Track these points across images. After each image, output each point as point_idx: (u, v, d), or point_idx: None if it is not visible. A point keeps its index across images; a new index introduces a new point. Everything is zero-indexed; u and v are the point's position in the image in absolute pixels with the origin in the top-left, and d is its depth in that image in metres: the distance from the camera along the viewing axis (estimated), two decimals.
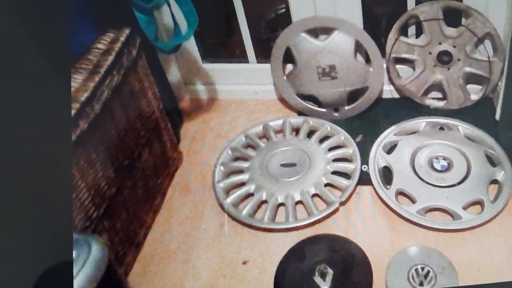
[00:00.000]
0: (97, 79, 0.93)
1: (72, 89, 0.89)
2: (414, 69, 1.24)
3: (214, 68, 1.33)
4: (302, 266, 0.98)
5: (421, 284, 0.94)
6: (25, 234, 0.84)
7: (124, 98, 1.02)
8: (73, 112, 0.86)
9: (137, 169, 1.06)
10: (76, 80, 0.91)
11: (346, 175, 1.13)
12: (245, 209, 1.08)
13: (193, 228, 1.06)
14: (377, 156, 1.14)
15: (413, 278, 0.95)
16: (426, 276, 0.95)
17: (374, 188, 1.09)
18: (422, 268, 0.96)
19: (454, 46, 1.18)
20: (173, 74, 1.32)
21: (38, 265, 0.83)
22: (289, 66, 1.27)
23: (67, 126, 0.86)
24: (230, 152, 1.19)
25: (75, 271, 0.81)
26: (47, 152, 0.87)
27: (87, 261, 0.83)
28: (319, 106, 1.27)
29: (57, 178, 0.87)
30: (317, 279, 0.95)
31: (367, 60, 1.22)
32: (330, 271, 0.96)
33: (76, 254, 0.83)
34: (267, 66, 1.27)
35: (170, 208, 1.11)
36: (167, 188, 1.14)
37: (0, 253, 0.83)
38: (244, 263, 1.00)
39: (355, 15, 1.18)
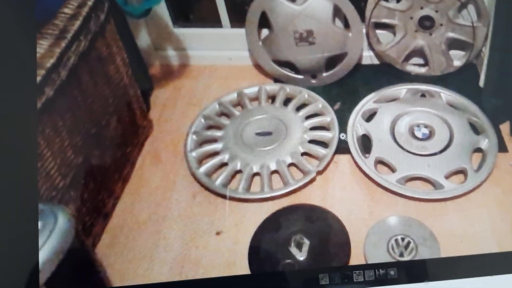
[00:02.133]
0: (63, 44, 0.93)
1: (37, 55, 0.90)
2: (394, 34, 1.26)
3: (185, 33, 1.33)
4: (277, 237, 0.99)
5: (401, 255, 0.96)
6: None
7: (92, 64, 1.03)
8: (38, 78, 0.87)
9: (105, 138, 1.06)
10: (42, 46, 0.91)
11: (323, 144, 1.14)
12: (219, 179, 1.09)
13: (164, 199, 1.07)
14: (356, 124, 1.15)
15: (392, 249, 0.96)
16: (406, 247, 0.97)
17: (353, 157, 1.10)
18: (402, 239, 0.97)
19: (437, 11, 1.19)
20: (143, 39, 1.31)
21: (3, 237, 0.84)
22: (265, 31, 1.27)
23: (33, 93, 0.87)
24: (203, 120, 1.20)
25: (40, 242, 0.82)
26: (11, 119, 0.87)
27: (53, 232, 0.83)
28: (296, 73, 1.27)
29: (22, 147, 0.87)
30: (293, 249, 0.96)
31: (346, 25, 1.23)
32: (306, 242, 0.97)
33: (42, 225, 0.83)
34: (241, 31, 1.27)
35: (140, 178, 1.11)
36: (137, 158, 1.15)
37: None
38: (218, 234, 1.01)
39: None
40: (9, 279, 0.82)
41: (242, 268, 0.96)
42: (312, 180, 1.08)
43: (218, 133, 1.17)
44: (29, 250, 0.82)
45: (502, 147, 1.11)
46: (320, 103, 1.21)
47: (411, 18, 1.21)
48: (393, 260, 0.95)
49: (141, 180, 1.11)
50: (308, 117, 1.19)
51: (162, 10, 1.29)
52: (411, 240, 0.97)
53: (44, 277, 0.81)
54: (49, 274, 0.82)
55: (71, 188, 0.95)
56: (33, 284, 0.81)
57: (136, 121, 1.18)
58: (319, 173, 1.09)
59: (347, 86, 1.26)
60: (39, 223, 0.83)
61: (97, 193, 1.02)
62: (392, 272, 0.88)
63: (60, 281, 0.83)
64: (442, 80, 1.24)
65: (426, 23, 1.21)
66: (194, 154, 1.14)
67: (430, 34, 1.22)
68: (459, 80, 1.24)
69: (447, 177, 1.07)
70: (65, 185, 0.93)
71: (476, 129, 1.14)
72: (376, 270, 0.89)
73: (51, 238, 0.82)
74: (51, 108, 0.90)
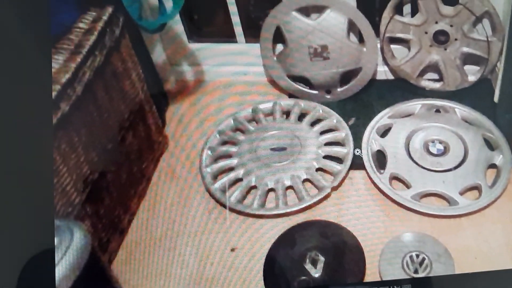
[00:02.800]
0: (78, 59, 0.94)
1: (53, 70, 0.90)
2: (409, 49, 1.26)
3: (200, 48, 1.33)
4: (292, 253, 0.99)
5: (415, 271, 0.95)
6: (5, 220, 0.85)
7: (107, 79, 1.03)
8: (54, 94, 0.87)
9: (120, 153, 1.07)
10: (57, 61, 0.92)
11: (338, 160, 1.14)
12: (234, 195, 1.09)
13: (180, 215, 1.07)
14: (371, 140, 1.15)
15: (407, 265, 0.96)
16: (421, 263, 0.96)
17: (367, 173, 1.11)
18: (417, 255, 0.97)
19: (451, 25, 1.19)
20: (158, 54, 1.31)
21: (19, 253, 0.85)
22: (279, 46, 1.27)
23: (48, 108, 0.87)
24: (218, 136, 1.20)
25: (57, 258, 0.83)
26: (27, 135, 0.88)
27: (69, 248, 0.84)
28: (310, 88, 1.27)
29: (38, 163, 0.88)
30: (308, 266, 0.97)
31: (361, 40, 1.23)
32: (321, 258, 0.97)
33: (58, 241, 0.84)
34: (256, 46, 1.27)
35: (156, 193, 1.12)
36: (152, 173, 1.15)
37: None
38: (233, 250, 1.01)
39: None
40: None
41: (257, 285, 0.96)
42: (327, 196, 1.08)
43: (233, 149, 1.18)
44: (46, 266, 0.82)
45: None
46: (334, 118, 1.21)
47: (426, 32, 1.21)
48: (408, 277, 0.95)
49: (156, 196, 1.11)
50: (323, 132, 1.19)
51: (177, 25, 1.29)
52: (426, 257, 0.97)
53: None
54: None
55: (87, 204, 0.95)
56: None
57: (151, 137, 1.18)
58: (334, 189, 1.10)
59: (361, 101, 1.26)
60: (56, 239, 0.84)
61: (113, 209, 1.03)
62: None
63: None
64: (457, 96, 1.23)
65: (441, 38, 1.21)
66: (209, 169, 1.14)
67: (445, 49, 1.22)
68: (474, 96, 1.23)
69: (461, 193, 1.06)
70: (81, 201, 0.94)
71: (490, 145, 1.14)
72: (391, 287, 0.89)
73: (68, 254, 0.83)
74: (67, 124, 0.91)
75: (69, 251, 0.84)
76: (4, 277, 0.84)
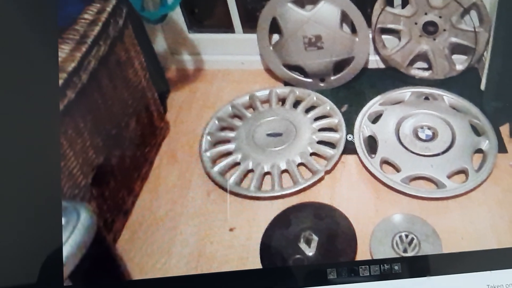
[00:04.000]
0: (84, 49, 0.96)
1: (59, 59, 0.93)
2: (399, 39, 1.28)
3: (200, 38, 1.35)
4: (287, 233, 1.02)
5: (405, 251, 0.98)
6: (16, 201, 0.87)
7: (111, 68, 1.06)
8: (60, 82, 0.90)
9: (124, 138, 1.10)
10: (63, 50, 0.94)
11: (331, 145, 1.17)
12: (232, 178, 1.12)
13: (181, 196, 1.09)
14: (362, 126, 1.18)
15: (397, 245, 0.99)
16: (410, 243, 0.99)
17: (359, 157, 1.13)
18: (406, 236, 1.00)
19: (440, 17, 1.22)
20: (160, 44, 1.33)
21: (29, 233, 0.86)
22: (276, 37, 1.30)
23: (55, 95, 0.90)
24: (216, 122, 1.22)
25: (64, 237, 0.84)
26: (35, 121, 0.90)
27: (76, 227, 0.86)
28: (305, 76, 1.30)
29: (46, 147, 0.90)
30: (302, 245, 0.99)
31: (353, 30, 1.26)
32: (315, 238, 1.00)
33: (65, 221, 0.86)
34: (253, 36, 1.29)
35: (158, 176, 1.14)
36: (155, 157, 1.17)
37: None
38: (231, 230, 1.04)
39: None
40: (35, 273, 0.84)
41: (254, 262, 0.99)
42: (320, 179, 1.11)
43: (231, 134, 1.20)
44: (54, 245, 0.84)
45: (502, 148, 1.14)
46: (328, 105, 1.23)
47: (416, 23, 1.24)
48: (397, 256, 0.98)
49: (158, 179, 1.13)
50: (317, 118, 1.22)
51: (177, 16, 1.31)
52: (415, 237, 1.00)
53: (68, 271, 0.84)
54: (72, 267, 0.84)
55: (93, 186, 0.98)
56: (58, 278, 0.84)
57: (153, 123, 1.20)
58: (327, 172, 1.12)
59: (354, 89, 1.28)
60: (63, 220, 0.86)
61: (118, 191, 1.05)
62: (396, 267, 0.90)
63: (83, 274, 0.86)
64: (445, 84, 1.26)
65: (430, 29, 1.24)
66: (208, 154, 1.16)
67: (434, 39, 1.25)
68: (461, 84, 1.26)
69: (449, 177, 1.09)
70: (87, 184, 0.96)
71: (477, 131, 1.17)
72: (381, 265, 0.91)
73: (74, 234, 0.85)
74: (73, 110, 0.93)
75: (75, 231, 0.86)
76: (13, 255, 0.86)
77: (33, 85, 0.91)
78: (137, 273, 0.97)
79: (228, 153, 1.17)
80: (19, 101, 0.90)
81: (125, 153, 1.09)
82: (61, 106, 0.90)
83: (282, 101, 1.27)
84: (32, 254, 0.85)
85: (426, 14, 1.22)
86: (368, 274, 0.90)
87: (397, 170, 1.11)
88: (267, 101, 1.27)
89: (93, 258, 0.89)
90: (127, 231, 1.04)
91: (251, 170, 1.14)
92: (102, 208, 1.00)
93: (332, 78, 1.29)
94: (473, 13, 1.23)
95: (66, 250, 0.84)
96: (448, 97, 1.22)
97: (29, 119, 0.90)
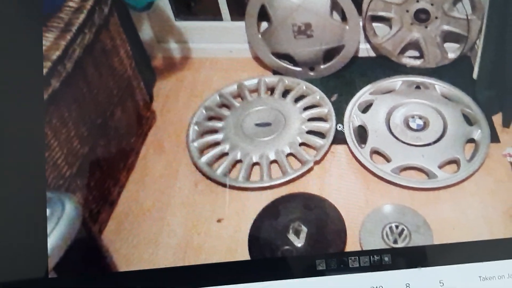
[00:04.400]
0: (68, 37, 0.96)
1: (43, 47, 0.92)
2: (390, 27, 1.28)
3: (187, 26, 1.34)
4: (276, 224, 1.02)
5: (395, 242, 0.98)
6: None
7: (96, 56, 1.05)
8: (45, 70, 0.90)
9: (110, 128, 1.09)
10: (48, 39, 0.94)
11: (321, 135, 1.17)
12: (220, 168, 1.11)
13: (168, 187, 1.09)
14: (352, 115, 1.17)
15: (387, 236, 0.99)
16: (400, 234, 0.99)
17: (349, 147, 1.13)
18: (397, 226, 1.00)
19: (432, 4, 1.22)
20: (146, 32, 1.33)
21: (13, 224, 0.86)
22: (264, 24, 1.29)
23: (39, 84, 0.89)
24: (204, 111, 1.22)
25: (49, 229, 0.84)
26: (19, 110, 0.89)
27: (61, 219, 0.86)
28: (294, 65, 1.29)
29: (30, 137, 0.89)
30: (291, 236, 0.99)
31: (343, 18, 1.25)
32: (304, 229, 1.00)
33: (50, 212, 0.85)
34: (241, 24, 1.29)
35: (144, 167, 1.13)
36: (141, 147, 1.17)
37: None
38: (219, 221, 1.04)
39: None
40: (19, 265, 0.83)
41: (242, 254, 0.99)
42: (309, 170, 1.11)
43: (219, 124, 1.20)
44: (38, 237, 0.84)
45: (495, 138, 1.14)
46: (317, 94, 1.23)
47: (407, 11, 1.23)
48: (388, 247, 0.98)
49: (145, 169, 1.13)
50: (306, 108, 1.21)
51: (164, 3, 1.30)
52: (405, 228, 1.00)
53: (52, 263, 0.83)
54: (57, 259, 0.84)
55: (78, 176, 0.98)
56: (43, 270, 0.84)
57: (139, 112, 1.20)
58: (317, 162, 1.12)
59: (344, 78, 1.28)
60: (47, 211, 0.85)
61: (103, 182, 1.05)
62: (386, 258, 0.90)
63: (69, 266, 0.86)
64: (437, 72, 1.26)
65: (421, 16, 1.24)
66: (196, 144, 1.16)
67: (426, 27, 1.24)
68: (453, 72, 1.26)
69: (440, 167, 1.09)
70: (72, 174, 0.96)
71: (469, 120, 1.16)
72: (371, 256, 0.91)
73: (59, 225, 0.84)
74: (58, 99, 0.93)
75: (60, 222, 0.85)
76: None
77: (17, 74, 0.90)
78: (123, 265, 0.97)
79: (216, 143, 1.17)
80: (2, 90, 0.89)
81: (110, 142, 1.09)
82: (46, 95, 0.90)
83: (271, 90, 1.27)
84: (16, 246, 0.85)
85: (417, 1, 1.22)
86: (358, 265, 0.90)
87: (388, 160, 1.11)
88: (255, 90, 1.27)
89: (79, 250, 0.89)
90: (113, 222, 1.04)
91: (240, 161, 1.14)
92: (88, 198, 1.00)
93: (322, 67, 1.29)
94: (466, 0, 1.23)
95: (51, 241, 0.84)
96: (440, 86, 1.22)
97: (13, 109, 0.89)
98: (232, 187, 1.09)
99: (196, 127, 1.19)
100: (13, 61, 0.90)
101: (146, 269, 0.95)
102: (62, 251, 0.84)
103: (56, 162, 0.92)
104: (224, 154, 1.15)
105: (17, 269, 0.84)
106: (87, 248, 0.94)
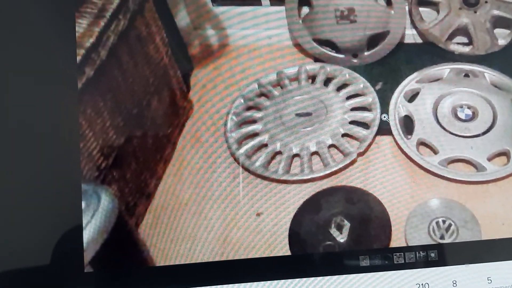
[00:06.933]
0: (102, 23, 0.98)
1: (76, 34, 0.94)
2: (438, 12, 1.27)
3: (225, 12, 1.34)
4: (317, 218, 1.03)
5: (442, 237, 0.99)
6: (34, 185, 0.89)
7: (131, 44, 1.07)
8: (78, 58, 0.92)
9: (146, 118, 1.11)
10: (81, 25, 0.95)
11: (364, 125, 1.17)
12: (259, 160, 1.13)
13: (205, 179, 1.10)
14: (398, 105, 1.18)
15: (433, 231, 1.00)
16: (447, 229, 1.00)
17: (394, 138, 1.13)
18: (444, 221, 1.01)
19: None
20: (182, 18, 1.32)
21: (48, 217, 0.88)
22: (305, 9, 1.29)
23: (73, 73, 0.91)
24: (242, 101, 1.22)
25: (84, 222, 0.86)
26: (52, 100, 0.91)
27: (96, 212, 0.88)
28: (337, 52, 1.28)
29: (64, 128, 0.92)
30: (333, 231, 1.01)
31: (388, 3, 1.25)
32: (347, 224, 1.02)
33: (85, 205, 0.88)
34: (281, 9, 1.29)
35: (181, 158, 1.14)
36: (178, 138, 1.17)
37: (8, 203, 0.88)
38: (258, 215, 1.05)
39: None
40: (54, 259, 0.86)
41: (282, 249, 1.00)
42: (352, 162, 1.11)
43: (258, 114, 1.20)
44: (74, 230, 0.86)
45: None
46: (361, 83, 1.23)
47: None
48: (434, 243, 0.99)
49: (182, 161, 1.14)
50: (349, 97, 1.21)
51: None
52: (452, 223, 1.01)
53: (88, 257, 0.86)
54: (93, 253, 0.87)
55: (113, 168, 1.00)
56: (78, 264, 0.86)
57: (176, 102, 1.21)
58: (360, 154, 1.13)
59: (389, 65, 1.27)
60: (83, 203, 0.88)
61: (140, 174, 1.06)
62: (432, 254, 0.91)
63: (104, 260, 0.88)
64: (486, 60, 1.25)
65: (470, 1, 1.23)
66: (234, 135, 1.17)
67: (475, 12, 1.24)
68: (504, 60, 1.25)
69: (489, 159, 1.10)
70: (107, 166, 0.98)
71: None
72: (417, 252, 0.92)
73: (95, 218, 0.87)
74: (92, 88, 0.95)
75: (96, 215, 0.88)
76: (32, 241, 0.88)
77: (49, 62, 0.92)
78: (160, 259, 0.98)
79: (254, 134, 1.18)
80: (35, 80, 0.91)
81: (147, 133, 1.10)
82: (79, 84, 0.92)
83: (312, 78, 1.26)
84: (52, 240, 0.87)
85: None
86: (403, 261, 0.91)
87: (435, 152, 1.12)
88: (296, 78, 1.27)
89: (115, 244, 0.91)
90: (150, 215, 1.05)
91: (279, 152, 1.14)
92: (124, 191, 1.02)
93: (366, 53, 1.28)
94: None
95: (87, 235, 0.86)
96: (490, 74, 1.21)
97: (46, 98, 0.91)
98: (271, 180, 1.10)
99: (234, 118, 1.19)
100: (45, 49, 0.92)
101: (183, 263, 0.97)
102: (98, 245, 0.87)
103: (91, 153, 0.94)
104: (263, 146, 1.16)
105: (52, 263, 0.86)
106: (123, 242, 0.96)
